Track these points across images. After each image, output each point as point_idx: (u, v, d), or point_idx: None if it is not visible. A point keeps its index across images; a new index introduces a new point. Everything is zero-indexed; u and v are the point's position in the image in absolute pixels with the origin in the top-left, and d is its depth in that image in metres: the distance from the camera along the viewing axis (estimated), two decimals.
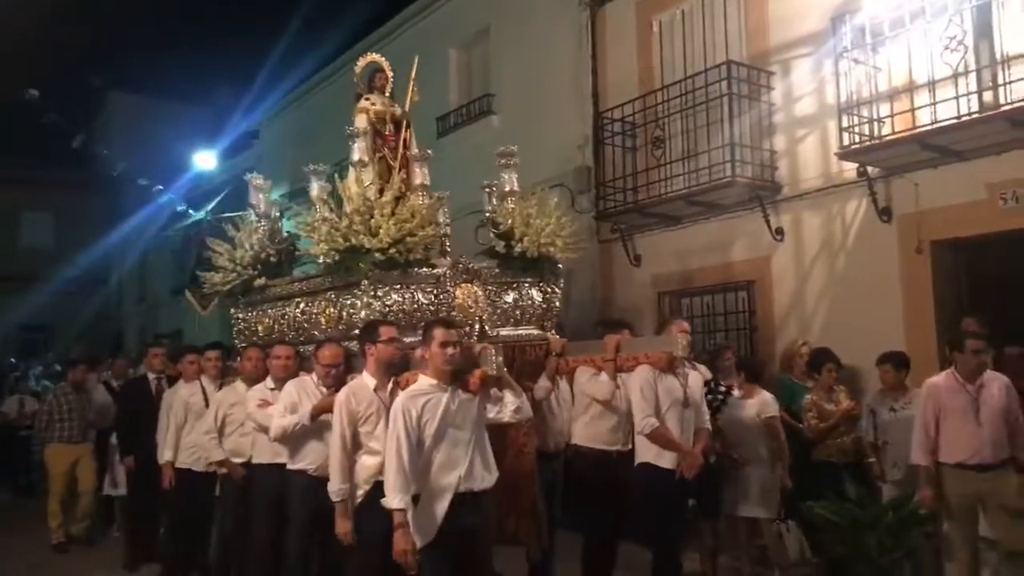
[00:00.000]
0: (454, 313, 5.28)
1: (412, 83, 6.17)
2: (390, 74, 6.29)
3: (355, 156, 5.66)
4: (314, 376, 5.12)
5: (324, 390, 5.00)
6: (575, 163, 9.30)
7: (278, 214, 6.51)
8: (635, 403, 5.09)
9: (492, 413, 4.40)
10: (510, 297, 5.78)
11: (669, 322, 5.59)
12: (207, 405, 6.09)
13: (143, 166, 18.08)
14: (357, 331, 4.95)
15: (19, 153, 21.72)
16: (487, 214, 5.93)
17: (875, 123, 6.53)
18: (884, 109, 6.52)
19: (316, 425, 4.89)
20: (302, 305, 5.74)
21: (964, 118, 5.93)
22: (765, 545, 6.03)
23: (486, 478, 4.23)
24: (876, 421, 5.87)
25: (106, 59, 26.24)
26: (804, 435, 6.10)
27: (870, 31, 6.48)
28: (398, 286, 5.20)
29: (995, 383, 5.11)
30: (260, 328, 6.16)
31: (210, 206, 16.49)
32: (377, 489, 4.23)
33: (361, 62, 6.39)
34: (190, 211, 16.58)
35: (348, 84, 13.82)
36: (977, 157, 6.24)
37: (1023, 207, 6.05)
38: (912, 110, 6.29)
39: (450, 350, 4.16)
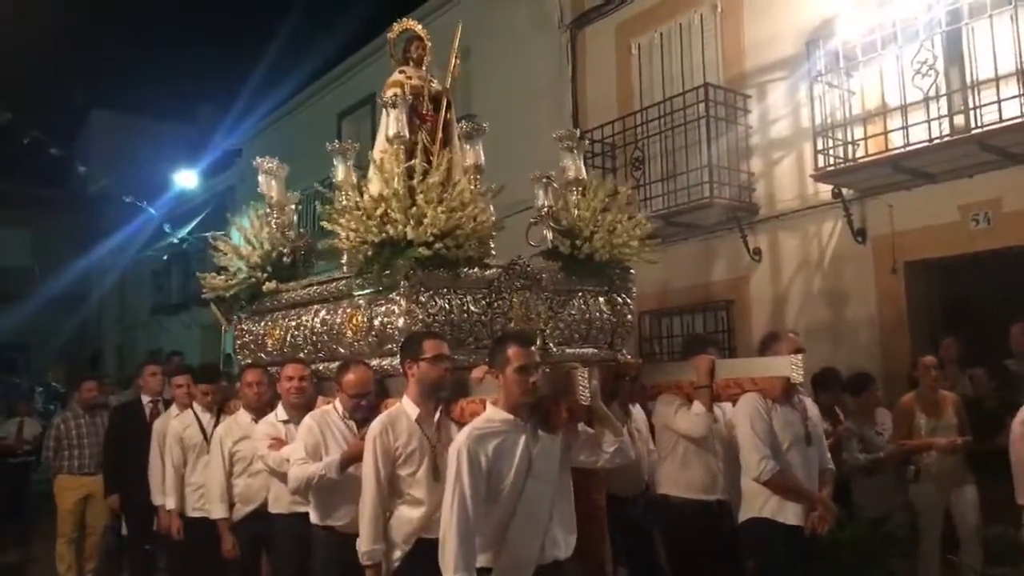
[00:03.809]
0: (512, 326, 4.34)
1: (455, 54, 5.25)
2: (428, 44, 5.38)
3: (391, 130, 4.56)
4: (337, 405, 4.08)
5: (352, 424, 4.01)
6: (556, 183, 9.34)
7: (293, 206, 5.55)
8: (746, 441, 3.97)
9: (583, 456, 3.40)
10: (574, 308, 4.74)
11: (778, 338, 4.32)
12: (206, 438, 5.22)
13: (124, 184, 18.01)
14: (392, 345, 4.09)
15: None
16: (544, 209, 4.88)
17: (849, 146, 6.65)
18: (858, 132, 6.64)
19: (346, 477, 3.87)
20: (322, 313, 4.69)
21: (936, 141, 6.06)
22: None
23: (569, 541, 3.33)
24: (865, 446, 5.70)
25: (88, 77, 26.23)
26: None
27: (844, 56, 6.61)
28: (444, 290, 4.20)
29: None
30: (269, 342, 5.12)
31: (191, 225, 16.41)
32: (421, 550, 3.45)
33: (396, 28, 5.43)
34: (167, 229, 16.46)
35: (332, 103, 14.06)
36: (949, 179, 6.37)
37: (994, 228, 6.20)
38: (885, 133, 6.42)
39: (532, 377, 3.20)
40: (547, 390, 3.33)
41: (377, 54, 12.51)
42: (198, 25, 30.82)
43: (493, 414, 3.27)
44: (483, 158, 4.84)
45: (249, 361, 5.23)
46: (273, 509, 4.49)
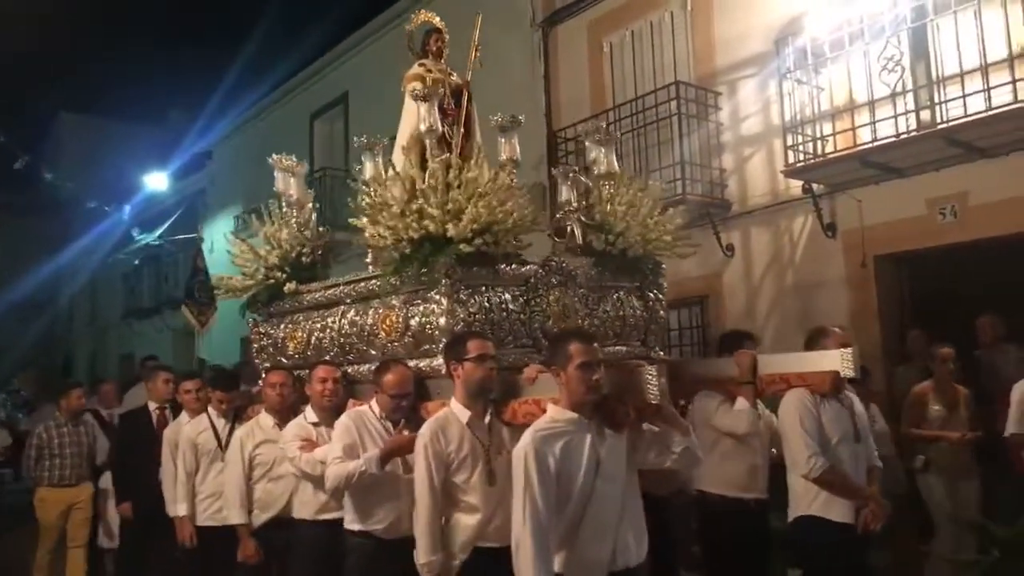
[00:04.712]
0: (549, 323, 4.20)
1: (475, 45, 5.14)
2: (447, 37, 5.26)
3: (424, 123, 4.41)
4: (373, 406, 3.95)
5: (390, 425, 3.89)
6: (530, 181, 9.37)
7: (311, 204, 5.34)
8: (794, 437, 3.84)
9: (651, 456, 3.23)
10: (609, 305, 4.59)
11: (826, 333, 4.14)
12: (221, 445, 5.01)
13: (93, 187, 17.80)
14: (431, 345, 3.98)
15: None
16: (572, 204, 4.71)
17: (818, 141, 6.71)
18: (827, 128, 6.71)
19: (385, 476, 3.75)
20: (351, 314, 4.51)
21: (903, 136, 6.14)
22: None
23: (641, 546, 3.14)
24: None
25: (56, 79, 25.88)
26: None
27: (812, 52, 6.67)
28: (483, 288, 4.05)
29: None
30: (291, 345, 4.94)
31: (161, 228, 16.26)
32: (477, 559, 3.37)
33: (414, 20, 5.32)
34: (135, 234, 16.29)
35: (304, 104, 13.96)
36: (916, 174, 6.46)
37: (961, 221, 6.29)
38: (853, 128, 6.50)
39: (595, 374, 3.04)
40: (609, 388, 3.15)
41: (349, 53, 12.45)
42: (168, 27, 30.54)
43: (556, 414, 3.11)
44: (519, 151, 4.68)
45: (268, 365, 5.05)
46: (297, 515, 4.29)
